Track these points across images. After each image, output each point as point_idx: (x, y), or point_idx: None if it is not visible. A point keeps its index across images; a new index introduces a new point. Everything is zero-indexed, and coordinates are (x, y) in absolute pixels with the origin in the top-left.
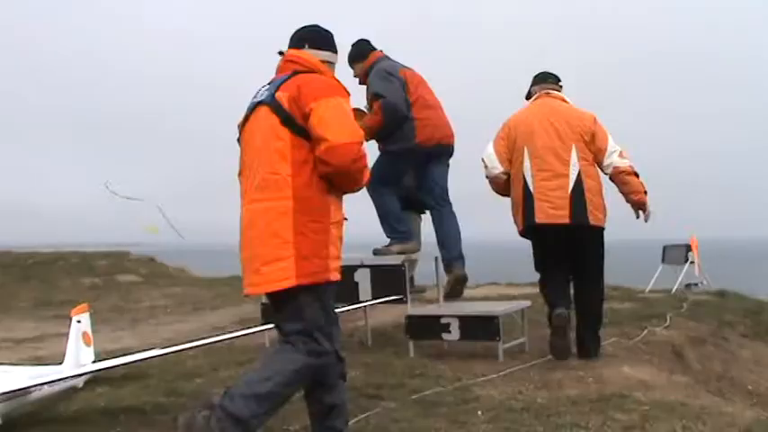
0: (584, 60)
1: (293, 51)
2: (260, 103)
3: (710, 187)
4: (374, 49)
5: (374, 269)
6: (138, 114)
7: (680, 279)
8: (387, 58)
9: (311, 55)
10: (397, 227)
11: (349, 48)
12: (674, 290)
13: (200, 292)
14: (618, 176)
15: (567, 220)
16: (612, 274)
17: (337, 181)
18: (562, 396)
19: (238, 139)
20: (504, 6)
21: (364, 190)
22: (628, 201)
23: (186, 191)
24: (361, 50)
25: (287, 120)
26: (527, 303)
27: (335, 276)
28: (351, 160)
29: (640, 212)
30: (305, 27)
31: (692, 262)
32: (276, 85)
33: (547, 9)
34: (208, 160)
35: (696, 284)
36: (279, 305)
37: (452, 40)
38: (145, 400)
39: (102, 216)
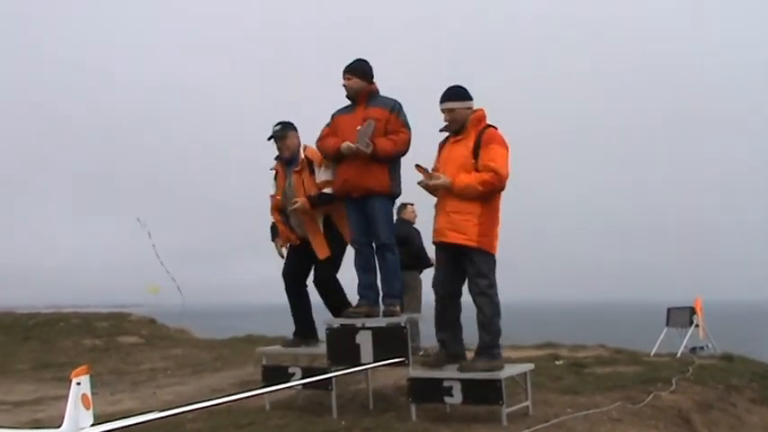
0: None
1: None
2: None
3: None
4: None
5: (376, 331)
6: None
7: (685, 342)
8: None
9: None
10: (398, 289)
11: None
12: (679, 353)
13: (201, 354)
14: None
15: None
16: (617, 337)
17: None
18: None
19: None
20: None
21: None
22: None
23: (189, 253)
24: (372, 73)
25: None
26: (530, 366)
27: None
28: None
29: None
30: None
31: (696, 325)
32: None
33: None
34: (214, 226)
35: (702, 348)
36: None
37: None
38: None
39: (104, 277)
